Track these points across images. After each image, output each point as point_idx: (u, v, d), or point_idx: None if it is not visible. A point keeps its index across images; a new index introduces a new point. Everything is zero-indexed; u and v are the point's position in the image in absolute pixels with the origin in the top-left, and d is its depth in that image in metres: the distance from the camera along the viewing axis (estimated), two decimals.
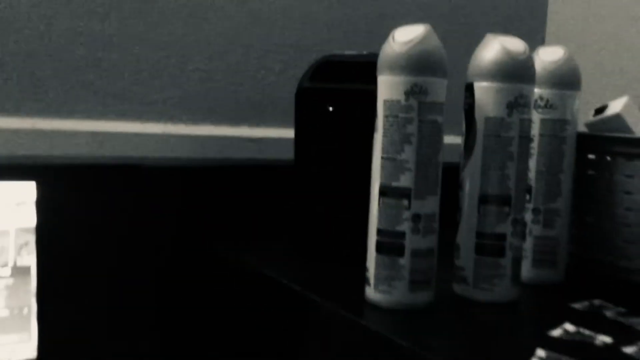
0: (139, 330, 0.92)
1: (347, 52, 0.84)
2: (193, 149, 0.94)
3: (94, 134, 0.87)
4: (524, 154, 0.64)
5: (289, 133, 0.87)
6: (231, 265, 0.83)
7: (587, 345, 0.53)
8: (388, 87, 0.60)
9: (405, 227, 0.60)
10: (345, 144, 0.78)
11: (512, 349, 0.51)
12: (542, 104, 0.71)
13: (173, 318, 0.94)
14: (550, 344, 0.53)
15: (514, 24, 1.23)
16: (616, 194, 0.73)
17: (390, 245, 0.60)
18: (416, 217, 0.60)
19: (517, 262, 0.65)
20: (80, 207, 0.87)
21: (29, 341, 0.80)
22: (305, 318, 0.67)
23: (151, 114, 0.92)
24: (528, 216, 0.72)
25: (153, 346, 0.93)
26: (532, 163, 0.71)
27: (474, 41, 0.67)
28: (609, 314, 0.62)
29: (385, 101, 0.60)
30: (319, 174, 0.81)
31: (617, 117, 0.72)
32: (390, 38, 0.61)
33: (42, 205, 0.80)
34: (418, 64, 0.59)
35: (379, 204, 0.61)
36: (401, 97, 0.59)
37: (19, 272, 0.80)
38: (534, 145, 0.71)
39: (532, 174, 0.72)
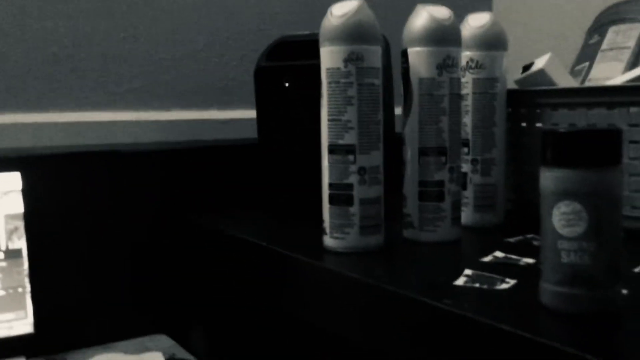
0: (127, 301, 1.00)
1: (300, 33, 0.92)
2: (165, 133, 1.01)
3: (71, 125, 0.94)
4: (456, 109, 0.72)
5: (254, 114, 0.94)
6: (207, 231, 0.91)
7: (511, 265, 0.61)
8: (329, 57, 0.68)
9: (352, 179, 0.68)
10: (301, 115, 0.86)
11: (447, 273, 0.59)
12: (472, 65, 0.79)
13: (159, 285, 1.01)
14: (479, 266, 0.61)
15: None
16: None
17: (340, 196, 0.68)
18: (362, 170, 0.68)
19: (456, 206, 0.73)
20: (64, 193, 0.94)
21: (25, 318, 0.87)
22: (274, 269, 0.75)
23: (123, 103, 0.99)
24: (468, 166, 0.80)
25: (142, 314, 1.01)
26: (468, 119, 0.80)
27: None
28: (537, 243, 0.70)
29: (327, 69, 0.68)
30: (280, 143, 0.88)
31: (542, 72, 0.80)
32: (328, 13, 0.68)
33: (28, 193, 0.87)
34: (353, 34, 0.67)
35: (328, 160, 0.69)
36: (340, 64, 0.67)
37: (11, 255, 0.87)
38: (469, 102, 0.79)
39: (468, 129, 0.80)
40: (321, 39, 0.69)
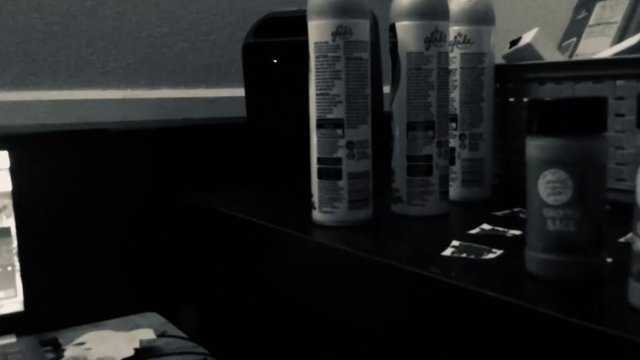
0: (117, 279, 1.00)
1: (288, 9, 0.92)
2: (153, 111, 1.00)
3: (59, 103, 0.93)
4: (444, 84, 0.72)
5: (243, 92, 0.94)
6: (197, 208, 0.91)
7: (498, 237, 0.62)
8: (317, 31, 0.67)
9: (341, 153, 0.68)
10: (289, 91, 0.86)
11: (435, 245, 0.60)
12: (460, 39, 0.79)
13: (149, 264, 1.02)
14: (467, 238, 0.62)
15: None
16: None
17: (329, 170, 0.69)
18: (350, 144, 0.68)
19: (444, 180, 0.73)
20: (52, 171, 0.94)
21: (15, 296, 0.87)
22: (263, 244, 0.75)
23: (111, 81, 0.98)
24: (456, 141, 0.80)
25: (132, 292, 1.01)
26: (456, 94, 0.80)
27: None
28: (524, 216, 0.71)
29: (315, 43, 0.68)
30: (269, 120, 0.88)
31: (529, 47, 0.80)
32: None
33: (16, 171, 0.87)
34: (341, 7, 0.66)
35: (317, 135, 0.69)
36: (329, 38, 0.67)
37: (0, 233, 0.87)
38: (457, 77, 0.80)
39: (456, 104, 0.80)
40: (309, 13, 0.68)
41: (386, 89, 0.98)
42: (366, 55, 0.68)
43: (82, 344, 0.84)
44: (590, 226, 0.46)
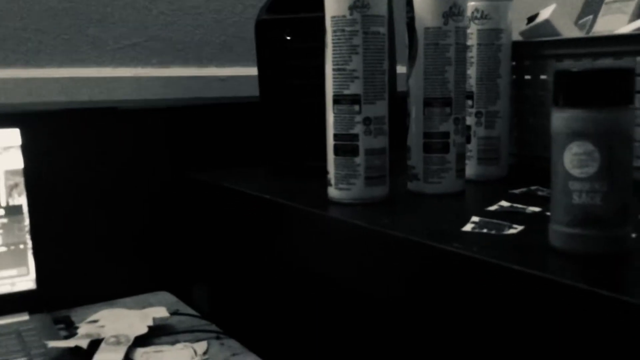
0: (129, 258, 1.00)
1: None
2: (164, 90, 1.00)
3: (70, 81, 0.93)
4: (461, 60, 0.71)
5: (254, 71, 0.93)
6: (209, 187, 0.91)
7: (518, 213, 0.61)
8: (334, 4, 0.66)
9: (358, 129, 0.67)
10: (303, 69, 0.85)
11: (454, 221, 0.59)
12: (478, 15, 0.78)
13: (161, 243, 1.01)
14: (485, 214, 0.61)
15: None
16: (551, 94, 0.80)
17: (345, 147, 0.68)
18: (367, 120, 0.67)
19: (461, 157, 0.73)
20: (63, 149, 0.93)
21: (27, 274, 0.87)
22: (278, 222, 0.75)
23: (122, 58, 0.98)
24: (472, 119, 0.80)
25: (144, 271, 1.01)
26: (473, 71, 0.79)
27: None
28: (542, 193, 0.70)
29: (332, 17, 0.67)
30: (282, 98, 0.87)
31: (547, 23, 0.79)
32: None
33: (28, 149, 0.87)
34: None
35: (333, 111, 0.68)
36: (346, 12, 0.66)
37: (12, 211, 0.86)
38: (473, 54, 0.79)
39: (473, 81, 0.79)
40: None
41: (399, 68, 0.97)
42: (384, 29, 0.67)
43: (95, 321, 0.84)
44: (617, 199, 0.46)
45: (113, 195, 0.97)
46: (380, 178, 0.69)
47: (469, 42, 0.78)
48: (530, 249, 0.50)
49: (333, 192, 0.70)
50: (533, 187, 0.74)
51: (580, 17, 0.93)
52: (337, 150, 0.68)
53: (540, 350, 0.44)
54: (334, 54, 0.67)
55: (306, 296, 0.73)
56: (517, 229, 0.55)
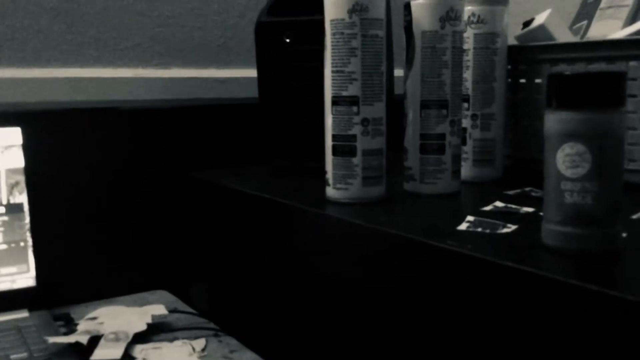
0: (128, 256, 1.01)
1: None
2: (164, 90, 1.01)
3: (71, 80, 0.94)
4: (458, 63, 0.72)
5: (254, 72, 0.94)
6: (208, 186, 0.92)
7: (512, 213, 0.63)
8: (333, 8, 0.68)
9: (356, 130, 0.69)
10: (302, 71, 0.86)
11: (449, 220, 0.60)
12: (474, 19, 0.79)
13: (160, 242, 1.02)
14: (480, 214, 0.62)
15: None
16: (545, 97, 0.82)
17: (343, 147, 0.69)
18: (365, 121, 0.69)
19: (456, 158, 0.74)
20: (64, 148, 0.94)
21: (27, 272, 0.88)
22: (276, 221, 0.76)
23: (122, 59, 0.99)
24: (467, 122, 0.81)
25: (143, 270, 1.02)
26: (469, 74, 0.80)
27: None
28: (536, 194, 0.72)
29: (331, 21, 0.68)
30: (281, 100, 0.89)
31: (542, 28, 0.81)
32: None
33: (29, 148, 0.88)
34: None
35: (332, 112, 0.69)
36: (345, 15, 0.67)
37: (13, 209, 0.87)
38: (470, 57, 0.80)
39: (469, 84, 0.80)
40: None
41: (397, 71, 0.99)
42: (382, 32, 0.68)
43: (94, 318, 0.85)
44: (608, 199, 0.47)
45: (113, 194, 0.98)
46: (377, 178, 0.70)
47: (465, 46, 0.79)
48: (524, 247, 0.51)
49: (331, 191, 0.71)
50: (527, 189, 0.75)
51: (574, 22, 0.95)
52: (336, 151, 0.70)
53: (532, 345, 0.45)
54: (332, 56, 0.68)
55: (304, 294, 0.74)
56: (511, 228, 0.57)
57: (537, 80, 0.82)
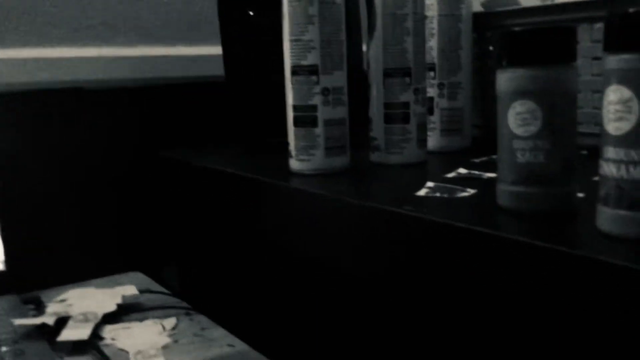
0: (101, 237, 1.00)
1: None
2: (130, 70, 0.99)
3: (33, 61, 0.92)
4: (420, 30, 0.71)
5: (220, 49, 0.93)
6: (176, 164, 0.91)
7: (474, 179, 0.62)
8: None
9: (316, 100, 0.67)
10: (266, 44, 0.85)
11: (411, 188, 0.60)
12: None
13: (131, 223, 1.01)
14: (442, 181, 0.62)
15: None
16: None
17: (304, 118, 0.68)
18: (325, 91, 0.67)
19: (422, 127, 0.73)
20: (30, 130, 0.93)
21: None
22: (242, 195, 0.75)
23: (86, 38, 0.97)
24: (434, 91, 0.80)
25: (116, 252, 1.01)
26: (434, 42, 0.79)
27: None
28: None
29: None
30: (246, 75, 0.87)
31: None
32: None
33: None
34: None
35: (291, 82, 0.68)
36: None
37: None
38: (434, 25, 0.79)
39: (434, 52, 0.79)
40: None
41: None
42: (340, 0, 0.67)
43: (64, 300, 0.84)
44: (560, 157, 0.46)
45: (82, 176, 0.97)
46: (340, 148, 0.69)
47: (430, 13, 0.78)
48: (479, 209, 0.51)
49: (294, 163, 0.70)
50: (494, 156, 0.74)
51: None
52: (297, 122, 0.69)
53: (485, 304, 0.45)
54: (290, 24, 0.67)
55: (273, 268, 0.73)
56: (469, 192, 0.56)
57: None
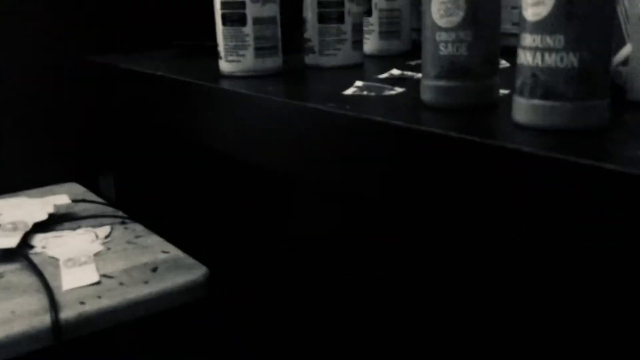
0: (35, 147, 0.96)
1: None
2: None
3: None
4: None
5: None
6: (108, 69, 0.87)
7: (406, 79, 0.61)
8: None
9: None
10: None
11: (340, 88, 0.58)
12: None
13: (67, 134, 0.98)
14: (373, 81, 0.60)
15: None
16: None
17: (232, 15, 0.65)
18: None
19: (357, 28, 0.71)
20: None
21: None
22: (173, 98, 0.73)
23: None
24: None
25: (52, 161, 0.98)
26: None
27: None
28: None
29: None
30: None
31: None
32: None
33: None
34: None
35: None
36: None
37: None
38: None
39: None
40: None
41: None
42: None
43: None
44: (482, 50, 0.45)
45: (14, 85, 0.92)
46: (271, 49, 0.67)
47: None
48: (403, 105, 0.49)
49: (224, 65, 0.67)
50: None
51: None
52: (225, 20, 0.65)
53: (401, 196, 0.44)
54: None
55: (205, 172, 0.72)
56: (397, 91, 0.55)
57: None
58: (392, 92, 0.54)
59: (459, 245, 0.41)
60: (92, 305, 0.62)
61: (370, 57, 0.78)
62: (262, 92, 0.58)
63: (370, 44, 0.78)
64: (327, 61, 0.70)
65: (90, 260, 0.71)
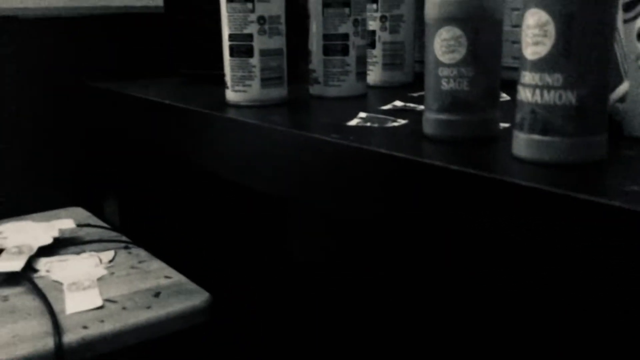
0: (41, 172, 0.97)
1: None
2: None
3: None
4: None
5: None
6: (116, 96, 0.88)
7: (408, 111, 0.62)
8: None
9: (252, 29, 0.66)
10: None
11: (344, 119, 0.59)
12: None
13: (72, 158, 0.99)
14: (376, 112, 0.61)
15: None
16: None
17: (240, 47, 0.67)
18: (261, 19, 0.66)
19: (361, 60, 0.72)
20: None
21: None
22: (182, 126, 0.74)
23: None
24: (376, 24, 0.79)
25: (56, 186, 0.99)
26: None
27: None
28: None
29: None
30: (186, 5, 0.85)
31: None
32: None
33: None
34: None
35: (227, 10, 0.66)
36: None
37: None
38: None
39: None
40: None
41: None
42: None
43: None
44: (483, 84, 0.46)
45: (16, 109, 0.94)
46: (277, 79, 0.68)
47: None
48: (405, 137, 0.51)
49: (230, 94, 0.69)
50: None
51: None
52: (232, 51, 0.67)
53: (404, 225, 0.45)
54: None
55: (208, 197, 0.73)
56: (400, 122, 0.56)
57: None
58: (395, 124, 0.55)
59: (456, 275, 0.41)
60: (95, 330, 0.63)
61: (374, 87, 0.79)
62: (267, 121, 0.59)
63: (374, 75, 0.80)
64: (331, 92, 0.72)
65: (93, 285, 0.71)
